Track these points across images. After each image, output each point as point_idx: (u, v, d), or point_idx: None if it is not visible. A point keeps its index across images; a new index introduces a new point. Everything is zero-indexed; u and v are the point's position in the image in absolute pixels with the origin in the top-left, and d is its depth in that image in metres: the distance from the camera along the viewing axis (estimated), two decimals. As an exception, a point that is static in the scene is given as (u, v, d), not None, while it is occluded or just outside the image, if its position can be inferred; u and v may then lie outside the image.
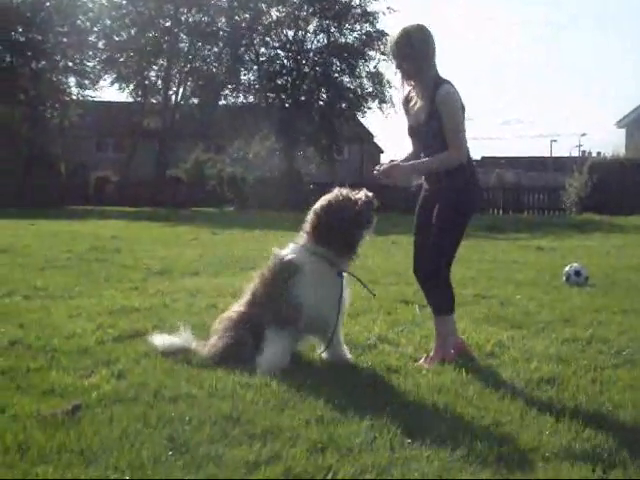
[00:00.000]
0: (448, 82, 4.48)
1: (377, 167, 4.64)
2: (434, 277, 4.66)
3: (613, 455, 2.88)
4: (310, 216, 4.50)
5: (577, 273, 8.65)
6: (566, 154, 68.09)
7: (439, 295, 4.70)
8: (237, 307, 4.75)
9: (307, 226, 4.51)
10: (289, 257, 4.40)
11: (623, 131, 40.84)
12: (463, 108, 4.51)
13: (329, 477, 2.61)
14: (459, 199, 4.54)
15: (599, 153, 65.76)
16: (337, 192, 4.41)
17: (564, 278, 8.64)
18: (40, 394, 3.66)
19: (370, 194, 4.40)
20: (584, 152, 70.83)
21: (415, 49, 4.37)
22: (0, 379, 3.94)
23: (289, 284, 4.28)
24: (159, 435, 3.02)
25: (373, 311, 6.49)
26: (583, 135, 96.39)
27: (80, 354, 4.57)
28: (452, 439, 3.01)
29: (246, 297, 4.68)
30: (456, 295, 7.33)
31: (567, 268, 8.69)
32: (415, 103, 4.59)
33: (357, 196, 4.39)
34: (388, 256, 12.59)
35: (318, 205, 4.47)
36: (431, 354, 4.57)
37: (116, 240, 14.75)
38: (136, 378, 3.91)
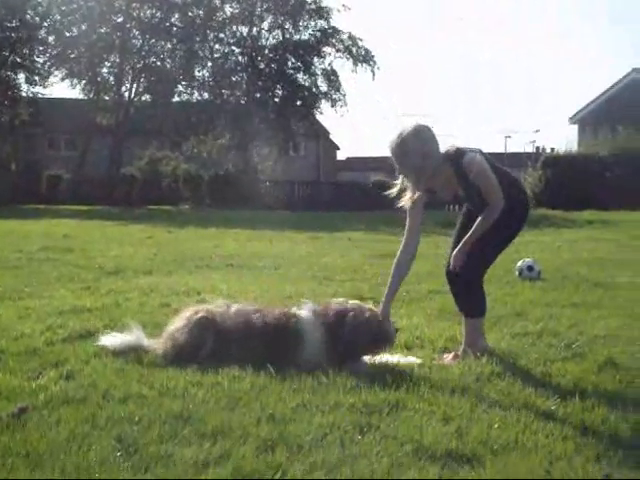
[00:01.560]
0: (463, 151, 4.54)
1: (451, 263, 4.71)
2: (471, 284, 4.71)
3: (560, 447, 2.91)
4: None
5: (530, 268, 8.77)
6: (520, 150, 68.83)
7: (473, 299, 4.75)
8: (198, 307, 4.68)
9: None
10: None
11: (576, 127, 41.52)
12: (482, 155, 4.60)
13: (278, 476, 2.59)
14: (507, 217, 4.55)
15: (552, 149, 66.67)
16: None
17: (517, 273, 8.75)
18: (-15, 397, 3.59)
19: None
20: (538, 148, 71.74)
21: (412, 154, 4.43)
22: (-55, 382, 3.84)
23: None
24: (107, 436, 2.98)
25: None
26: (537, 131, 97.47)
27: (28, 355, 4.48)
28: (402, 435, 3.02)
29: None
30: (411, 291, 7.48)
31: (520, 263, 8.81)
32: (434, 183, 4.66)
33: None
34: (344, 253, 12.61)
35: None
36: (459, 352, 4.65)
37: (68, 239, 14.55)
38: (85, 379, 3.86)
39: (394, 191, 4.73)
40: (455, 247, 4.74)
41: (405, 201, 4.70)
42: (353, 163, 71.97)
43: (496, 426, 3.17)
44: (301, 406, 3.41)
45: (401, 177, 4.65)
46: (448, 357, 4.66)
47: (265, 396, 3.56)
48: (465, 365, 4.24)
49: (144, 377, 3.92)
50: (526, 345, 4.93)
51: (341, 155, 66.52)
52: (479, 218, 4.55)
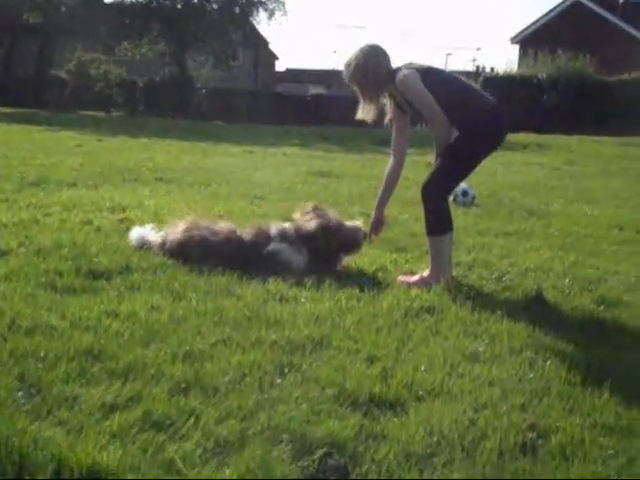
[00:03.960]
0: (399, 69, 4.64)
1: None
2: (432, 199, 4.66)
3: (485, 394, 2.82)
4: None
5: (464, 193, 8.67)
6: (461, 68, 68.58)
7: (432, 216, 4.67)
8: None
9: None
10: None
11: (517, 47, 41.36)
12: (424, 69, 4.64)
13: (190, 422, 2.43)
14: (469, 138, 4.57)
15: (492, 69, 66.58)
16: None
17: (451, 198, 8.64)
18: None
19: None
20: (478, 67, 71.59)
21: (357, 71, 4.67)
22: None
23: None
24: (8, 373, 2.76)
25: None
26: (478, 49, 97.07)
27: None
28: (325, 377, 2.88)
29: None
30: (344, 213, 7.32)
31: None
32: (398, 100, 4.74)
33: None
34: (278, 169, 12.34)
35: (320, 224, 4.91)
36: (425, 273, 4.62)
37: (-10, 146, 13.90)
38: (-9, 307, 3.60)
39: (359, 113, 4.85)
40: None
41: (360, 114, 4.82)
42: (293, 74, 70.76)
43: (422, 368, 3.06)
44: (221, 342, 3.24)
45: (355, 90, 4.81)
46: (409, 278, 4.63)
47: (184, 330, 3.38)
48: (394, 298, 4.11)
49: (56, 305, 3.68)
50: (457, 276, 4.84)
51: (280, 66, 65.33)
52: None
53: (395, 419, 2.59)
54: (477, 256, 5.49)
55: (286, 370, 2.97)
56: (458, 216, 7.54)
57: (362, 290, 4.35)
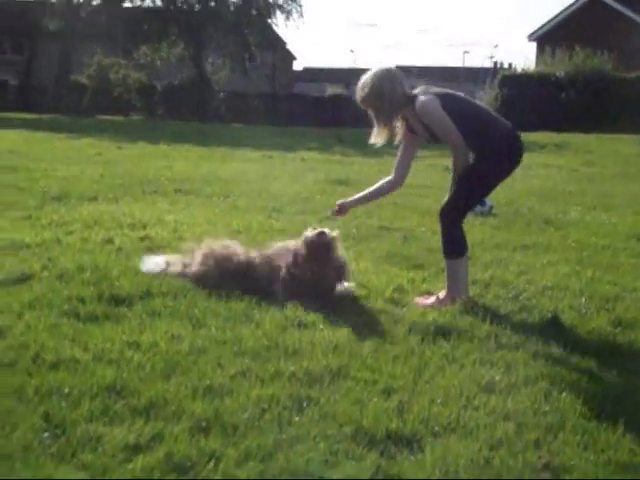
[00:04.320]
0: (418, 94, 4.65)
1: None
2: (449, 222, 4.75)
3: (501, 428, 2.86)
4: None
5: (482, 202, 8.66)
6: (479, 65, 68.46)
7: (448, 239, 4.76)
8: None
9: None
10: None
11: (534, 45, 41.15)
12: (442, 95, 4.67)
13: (211, 465, 2.50)
14: (486, 164, 4.66)
15: (510, 65, 66.29)
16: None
17: (468, 207, 8.66)
18: None
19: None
20: (496, 63, 71.32)
21: (371, 95, 4.66)
22: None
23: None
24: (34, 413, 2.84)
25: (275, 247, 6.29)
26: (495, 47, 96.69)
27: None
28: (342, 413, 2.93)
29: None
30: (361, 227, 7.37)
31: (471, 197, 8.71)
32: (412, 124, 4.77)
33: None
34: (297, 177, 12.41)
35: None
36: (441, 295, 4.70)
37: (13, 156, 14.08)
38: (16, 338, 3.68)
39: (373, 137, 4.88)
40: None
41: (373, 138, 4.86)
42: (310, 74, 70.81)
43: (438, 401, 3.10)
44: (240, 374, 3.31)
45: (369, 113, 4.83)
46: (426, 300, 4.71)
47: (204, 362, 3.44)
48: (411, 323, 4.15)
49: (79, 335, 3.76)
50: (474, 296, 4.87)
51: (298, 65, 65.40)
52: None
53: (412, 457, 2.64)
54: (494, 273, 5.51)
55: (304, 405, 3.02)
56: (475, 227, 7.60)
57: (379, 313, 4.41)
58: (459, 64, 66.46)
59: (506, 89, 30.31)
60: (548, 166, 16.26)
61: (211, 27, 34.90)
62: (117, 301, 4.43)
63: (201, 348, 3.63)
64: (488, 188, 4.88)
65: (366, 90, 4.68)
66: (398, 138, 4.87)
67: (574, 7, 40.12)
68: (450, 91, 4.81)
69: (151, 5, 36.44)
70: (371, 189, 5.08)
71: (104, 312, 4.21)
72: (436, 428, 2.86)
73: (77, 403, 2.94)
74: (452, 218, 4.71)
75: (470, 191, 4.76)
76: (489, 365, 3.56)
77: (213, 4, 35.64)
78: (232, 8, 35.57)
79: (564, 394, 3.21)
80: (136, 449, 2.61)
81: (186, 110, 32.40)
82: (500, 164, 4.70)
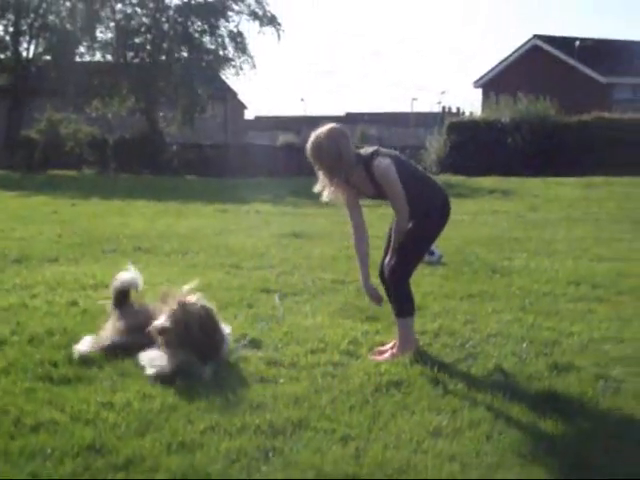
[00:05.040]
0: (375, 155, 4.93)
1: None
2: (398, 284, 5.04)
3: (447, 469, 3.19)
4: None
5: (431, 252, 9.06)
6: (427, 110, 70.00)
7: (401, 299, 5.06)
8: None
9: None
10: None
11: (480, 91, 42.41)
12: (395, 158, 4.99)
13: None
14: (423, 222, 4.98)
15: (458, 109, 67.80)
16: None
17: (418, 257, 9.05)
18: None
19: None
20: (444, 108, 72.97)
21: (327, 156, 4.86)
22: None
23: None
24: (21, 472, 3.09)
25: (234, 303, 6.59)
26: (443, 93, 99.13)
27: None
28: (304, 461, 3.24)
29: None
30: (316, 280, 7.71)
31: (421, 247, 9.08)
32: (354, 181, 5.01)
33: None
34: (252, 231, 12.73)
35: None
36: (394, 350, 4.99)
37: (-33, 217, 14.17)
38: (-5, 403, 3.92)
39: (318, 187, 5.07)
40: (386, 253, 5.14)
41: (326, 196, 5.07)
42: (261, 122, 71.54)
43: (391, 446, 3.43)
44: (209, 429, 3.59)
45: (320, 174, 5.01)
46: (380, 356, 5.01)
47: (175, 419, 3.72)
48: (365, 374, 4.48)
49: (55, 398, 4.00)
50: (423, 346, 5.23)
51: (249, 114, 66.16)
52: (394, 226, 5.02)
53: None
54: (443, 322, 5.89)
55: (270, 454, 3.32)
56: (425, 277, 7.98)
57: (336, 365, 4.73)
58: (407, 109, 67.88)
59: (454, 135, 31.18)
60: (496, 212, 16.85)
61: (162, 81, 35.34)
62: (87, 363, 4.68)
63: (172, 406, 3.90)
64: (428, 245, 5.31)
65: (322, 149, 4.85)
66: (331, 194, 5.03)
67: (517, 54, 41.58)
68: (395, 153, 5.14)
69: (101, 60, 36.78)
70: (358, 258, 5.19)
71: (76, 374, 4.46)
72: (390, 471, 3.18)
73: (60, 462, 3.20)
74: (401, 279, 5.04)
75: (415, 251, 5.11)
76: (436, 411, 3.90)
77: (164, 58, 36.15)
78: (182, 62, 36.08)
79: (503, 436, 3.57)
80: (118, 504, 2.88)
81: (138, 163, 32.55)
82: (437, 223, 5.11)
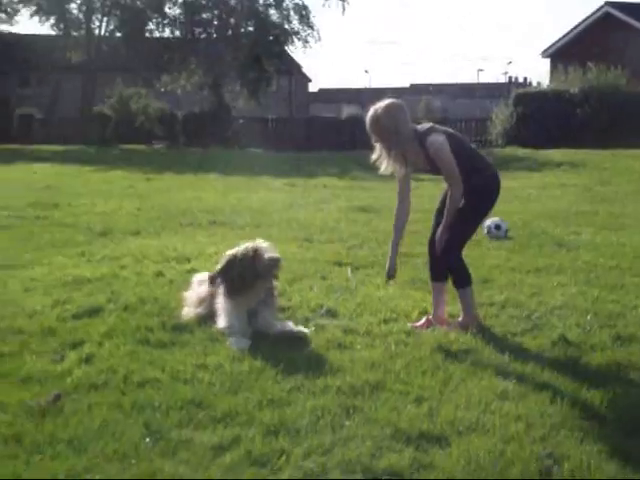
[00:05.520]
0: (430, 131, 5.16)
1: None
2: (451, 259, 5.28)
3: (513, 428, 3.51)
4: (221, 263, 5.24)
5: (497, 227, 9.32)
6: (493, 81, 69.17)
7: (457, 272, 5.33)
8: None
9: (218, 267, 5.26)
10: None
11: (548, 61, 41.66)
12: (448, 135, 5.19)
13: (282, 460, 3.17)
14: (474, 198, 5.19)
15: (525, 79, 66.57)
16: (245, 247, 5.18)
17: (485, 231, 9.28)
18: (19, 382, 4.09)
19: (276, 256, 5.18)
20: (511, 78, 71.85)
21: (384, 130, 5.09)
22: (-22, 366, 4.34)
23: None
24: (135, 423, 3.52)
25: (309, 275, 6.96)
26: (509, 63, 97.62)
27: (45, 335, 4.97)
28: (382, 418, 3.60)
29: None
30: (386, 254, 8.02)
31: (488, 222, 9.25)
32: (409, 155, 5.25)
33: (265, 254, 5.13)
34: (321, 204, 13.11)
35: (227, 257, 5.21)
36: (459, 319, 5.34)
37: (52, 191, 14.90)
38: (104, 363, 4.37)
39: (373, 157, 5.32)
40: (437, 226, 5.35)
41: (383, 169, 5.30)
42: (326, 95, 71.60)
43: (462, 406, 3.76)
44: (295, 389, 3.97)
45: (377, 145, 5.24)
46: (420, 324, 5.31)
47: (263, 379, 4.11)
48: (436, 342, 4.81)
49: (154, 359, 4.45)
50: (491, 317, 5.52)
51: (313, 87, 66.33)
52: (447, 201, 5.20)
53: (441, 451, 3.29)
54: (509, 295, 6.16)
55: (351, 412, 3.69)
56: (491, 251, 8.25)
57: (407, 335, 5.07)
58: (473, 80, 67.15)
59: (521, 106, 30.87)
60: (563, 185, 16.87)
61: (229, 56, 35.84)
62: (180, 329, 5.12)
63: (259, 368, 4.29)
64: (479, 221, 5.47)
65: (380, 124, 5.08)
66: (389, 167, 5.26)
67: (587, 22, 40.56)
68: (450, 130, 5.36)
69: (170, 36, 37.49)
70: (394, 233, 5.46)
71: (170, 339, 4.90)
72: (460, 428, 3.51)
73: (167, 414, 3.62)
74: (454, 253, 5.28)
75: (467, 227, 5.31)
76: (503, 377, 4.20)
77: (230, 33, 36.64)
78: (249, 36, 36.49)
79: (566, 399, 3.86)
80: (221, 449, 3.28)
81: (207, 138, 33.19)
82: (488, 199, 5.34)
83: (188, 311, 5.44)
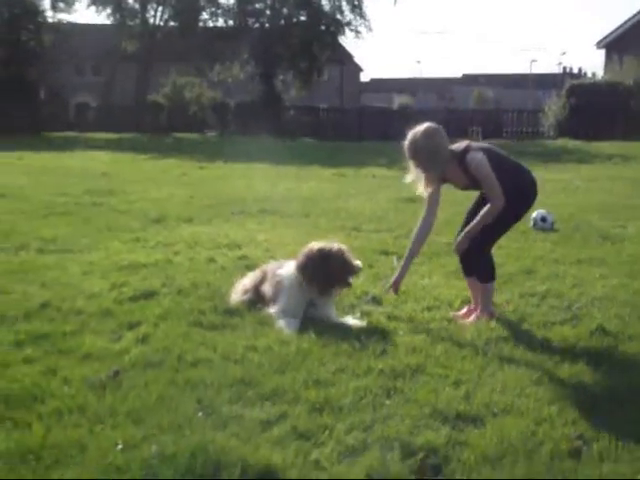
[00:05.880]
0: (467, 149, 5.26)
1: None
2: (479, 256, 5.41)
3: (546, 411, 3.68)
4: (304, 256, 5.40)
5: (543, 219, 9.39)
6: (546, 71, 68.27)
7: (481, 267, 5.44)
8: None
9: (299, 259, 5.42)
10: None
11: (602, 52, 41.09)
12: (486, 150, 5.31)
13: (326, 433, 3.39)
14: (513, 209, 5.28)
15: (580, 69, 65.51)
16: (336, 248, 5.44)
17: (531, 223, 9.36)
18: (81, 358, 4.39)
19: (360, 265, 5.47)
20: (564, 68, 70.81)
21: (424, 155, 5.20)
22: (44, 343, 4.65)
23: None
24: (189, 399, 3.77)
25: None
26: (563, 54, 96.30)
27: (103, 316, 5.27)
28: (421, 398, 3.79)
29: None
30: (431, 244, 8.19)
31: (534, 214, 9.32)
32: (446, 174, 5.37)
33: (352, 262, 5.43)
34: (370, 195, 13.28)
35: (315, 250, 5.38)
36: (471, 307, 5.52)
37: (107, 179, 15.35)
38: (159, 342, 4.64)
39: (408, 178, 5.48)
40: (465, 226, 5.46)
41: (420, 189, 5.48)
42: (377, 84, 71.53)
43: (498, 390, 3.93)
44: (339, 371, 4.19)
45: (412, 167, 5.36)
46: (462, 312, 5.51)
47: (310, 361, 4.33)
48: (476, 329, 4.98)
49: (206, 341, 4.70)
50: (531, 307, 5.66)
51: (364, 77, 66.34)
52: (484, 208, 5.26)
53: (475, 431, 3.47)
54: (551, 285, 6.28)
55: (392, 393, 3.89)
56: (536, 243, 8.35)
57: (449, 322, 5.25)
58: (526, 70, 66.42)
59: (574, 97, 30.59)
60: (613, 178, 16.73)
61: (281, 45, 36.14)
62: (230, 313, 5.37)
63: (306, 350, 4.52)
64: (512, 224, 5.53)
65: (420, 148, 5.17)
66: (424, 188, 5.42)
67: (643, 13, 39.88)
68: (485, 145, 5.49)
69: (224, 25, 37.96)
70: (410, 248, 5.64)
71: (222, 322, 5.15)
72: (495, 410, 3.69)
73: (218, 392, 3.86)
74: (484, 252, 5.40)
75: (500, 230, 5.42)
76: (540, 364, 4.36)
77: (283, 22, 36.94)
78: (301, 26, 36.76)
79: (600, 386, 4.01)
80: (269, 423, 3.52)
81: (258, 126, 33.59)
82: (524, 206, 5.46)
83: (234, 297, 5.68)
